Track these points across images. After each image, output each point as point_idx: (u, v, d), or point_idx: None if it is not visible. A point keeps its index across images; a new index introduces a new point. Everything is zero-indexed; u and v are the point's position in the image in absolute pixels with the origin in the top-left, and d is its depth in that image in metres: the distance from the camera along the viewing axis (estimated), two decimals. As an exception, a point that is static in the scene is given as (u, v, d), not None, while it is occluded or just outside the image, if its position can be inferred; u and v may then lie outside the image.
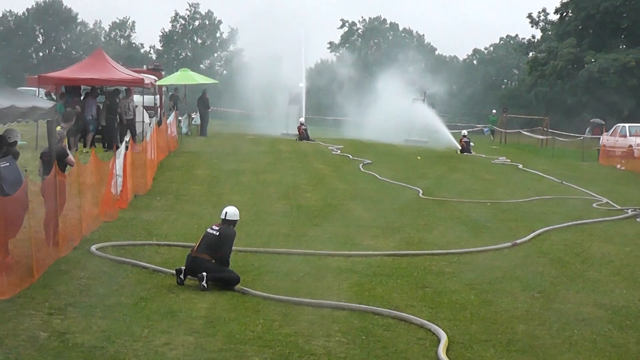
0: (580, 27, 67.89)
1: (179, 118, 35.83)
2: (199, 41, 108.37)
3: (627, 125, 39.17)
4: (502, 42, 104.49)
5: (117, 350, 8.38)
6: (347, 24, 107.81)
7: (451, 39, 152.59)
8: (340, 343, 8.99)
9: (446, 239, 15.61)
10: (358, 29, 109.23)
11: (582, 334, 9.75)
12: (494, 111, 56.43)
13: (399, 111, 42.11)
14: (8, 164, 11.43)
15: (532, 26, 77.81)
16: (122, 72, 28.73)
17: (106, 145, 26.53)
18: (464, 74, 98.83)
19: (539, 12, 77.57)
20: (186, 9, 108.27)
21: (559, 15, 70.83)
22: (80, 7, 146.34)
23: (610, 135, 38.89)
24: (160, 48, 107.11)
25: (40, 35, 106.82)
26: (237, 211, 11.60)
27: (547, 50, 69.60)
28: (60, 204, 12.38)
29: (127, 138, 21.20)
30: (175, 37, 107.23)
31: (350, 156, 31.27)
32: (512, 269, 13.12)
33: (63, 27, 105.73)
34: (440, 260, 13.59)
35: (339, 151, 33.55)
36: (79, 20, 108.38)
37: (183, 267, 11.19)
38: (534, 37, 78.14)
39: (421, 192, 22.11)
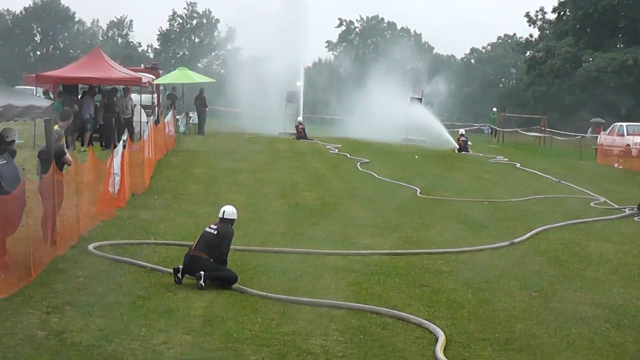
0: (577, 26, 67.96)
1: (177, 117, 35.78)
2: (197, 40, 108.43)
3: (624, 124, 39.16)
4: (499, 41, 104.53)
5: (114, 349, 8.38)
6: (344, 23, 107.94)
7: (449, 38, 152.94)
8: (338, 342, 8.99)
9: (444, 238, 15.61)
10: (356, 27, 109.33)
11: (580, 332, 9.76)
12: (494, 109, 56.36)
13: (397, 110, 42.08)
14: (5, 161, 11.41)
15: (529, 25, 77.94)
16: (120, 71, 28.71)
17: (104, 144, 26.53)
18: (462, 73, 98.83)
19: (537, 11, 77.81)
20: (184, 8, 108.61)
21: (556, 14, 70.98)
22: (78, 6, 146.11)
23: (608, 134, 38.89)
24: (158, 47, 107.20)
25: (38, 34, 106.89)
26: (235, 210, 11.60)
27: (544, 49, 69.61)
28: (58, 202, 12.38)
29: (124, 137, 21.18)
30: (172, 36, 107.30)
31: (348, 155, 31.24)
32: (510, 268, 13.13)
33: (61, 26, 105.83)
34: (437, 259, 13.59)
35: (337, 150, 33.49)
36: (76, 19, 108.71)
37: (181, 266, 11.18)
38: (531, 36, 78.17)
39: (419, 191, 22.11)
